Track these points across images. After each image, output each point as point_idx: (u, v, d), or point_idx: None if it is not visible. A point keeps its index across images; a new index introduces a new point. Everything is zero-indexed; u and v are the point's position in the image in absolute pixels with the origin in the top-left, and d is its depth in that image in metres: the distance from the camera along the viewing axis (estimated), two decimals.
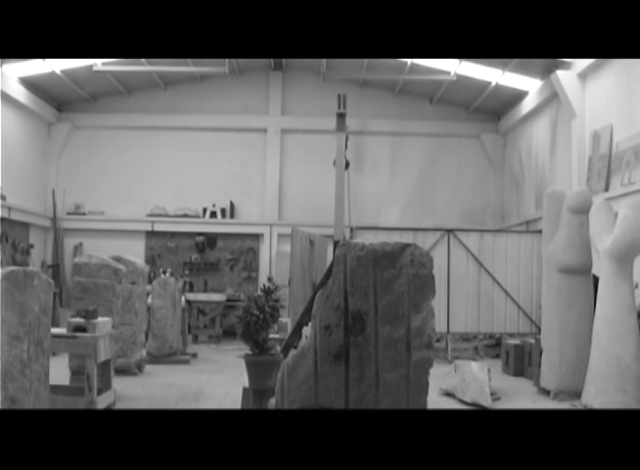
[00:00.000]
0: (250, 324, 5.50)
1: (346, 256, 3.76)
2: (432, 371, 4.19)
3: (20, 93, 12.49)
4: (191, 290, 13.90)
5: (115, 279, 7.14)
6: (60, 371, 6.41)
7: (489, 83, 12.82)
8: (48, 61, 11.81)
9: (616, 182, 9.07)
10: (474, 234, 11.09)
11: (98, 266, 7.13)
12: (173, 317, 9.84)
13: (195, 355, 10.30)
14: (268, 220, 14.51)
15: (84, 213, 14.44)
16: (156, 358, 9.41)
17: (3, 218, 12.02)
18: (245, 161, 14.74)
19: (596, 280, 7.16)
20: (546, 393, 7.39)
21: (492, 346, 11.47)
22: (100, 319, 5.81)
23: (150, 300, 9.68)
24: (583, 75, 10.39)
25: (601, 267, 6.70)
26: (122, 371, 7.99)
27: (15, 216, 12.60)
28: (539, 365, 7.64)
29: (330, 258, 10.64)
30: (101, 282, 7.06)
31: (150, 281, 10.55)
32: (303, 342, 3.71)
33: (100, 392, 5.73)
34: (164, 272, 13.44)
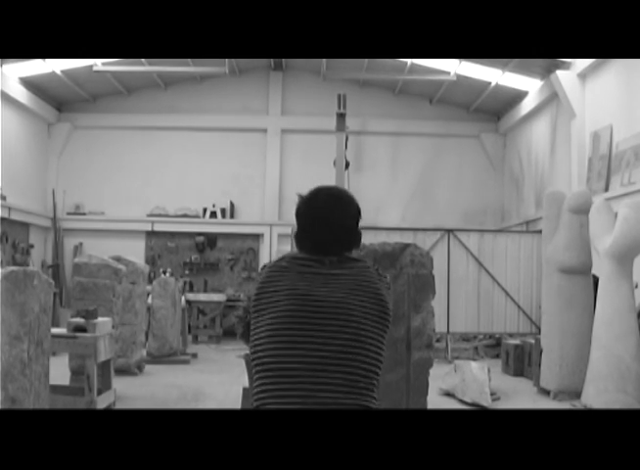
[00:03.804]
0: (250, 324, 5.50)
1: None
2: (432, 371, 4.20)
3: (20, 93, 12.49)
4: (191, 290, 13.90)
5: (116, 279, 7.14)
6: (60, 371, 6.40)
7: (489, 83, 12.82)
8: (48, 61, 11.81)
9: (615, 182, 9.07)
10: (474, 234, 11.09)
11: (98, 266, 7.13)
12: (173, 317, 9.84)
13: (195, 355, 10.30)
14: (268, 220, 14.50)
15: (84, 213, 14.44)
16: (156, 358, 9.41)
17: (3, 218, 12.01)
18: (245, 161, 14.74)
19: (596, 280, 7.16)
20: (546, 393, 7.39)
21: (492, 346, 11.47)
22: (100, 319, 5.81)
23: (150, 300, 9.67)
24: (583, 75, 10.38)
25: (601, 267, 6.70)
26: (122, 371, 7.99)
27: (15, 216, 12.60)
28: (539, 365, 7.64)
29: None
30: (101, 282, 7.06)
31: (150, 281, 10.55)
32: None
33: (100, 392, 5.73)
34: (164, 272, 13.43)
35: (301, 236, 2.02)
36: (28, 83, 12.72)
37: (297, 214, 2.04)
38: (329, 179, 12.16)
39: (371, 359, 1.83)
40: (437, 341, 11.04)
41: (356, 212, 2.06)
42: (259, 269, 2.03)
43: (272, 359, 1.82)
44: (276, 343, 1.83)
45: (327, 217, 2.00)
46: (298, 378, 1.77)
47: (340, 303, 1.85)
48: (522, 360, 8.97)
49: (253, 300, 1.95)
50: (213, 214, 14.41)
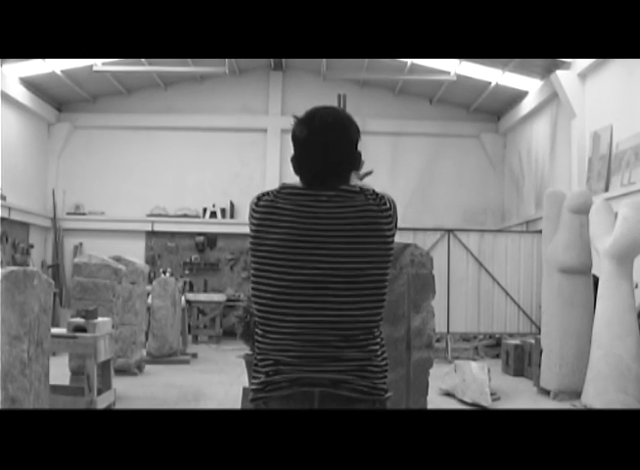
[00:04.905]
0: (250, 324, 5.51)
1: None
2: (432, 371, 4.20)
3: (20, 93, 12.49)
4: (191, 290, 13.90)
5: (115, 279, 7.14)
6: (60, 371, 6.41)
7: (489, 83, 12.81)
8: (48, 61, 11.80)
9: (616, 182, 9.07)
10: (474, 234, 11.09)
11: (98, 266, 7.13)
12: (173, 317, 9.84)
13: (195, 355, 10.30)
14: None
15: (84, 213, 14.44)
16: (156, 358, 9.40)
17: (3, 218, 12.01)
18: (245, 161, 14.74)
19: (596, 280, 7.16)
20: (546, 393, 7.39)
21: (492, 346, 11.47)
22: (100, 319, 5.81)
23: (150, 300, 9.68)
24: (583, 75, 10.38)
25: (601, 267, 6.70)
26: (122, 371, 7.99)
27: (15, 216, 12.60)
28: (539, 365, 7.64)
29: None
30: (101, 282, 7.07)
31: (150, 281, 10.55)
32: None
33: (100, 392, 5.73)
34: (164, 272, 13.43)
35: (298, 162, 1.95)
36: (28, 83, 12.71)
37: (293, 139, 1.95)
38: None
39: (373, 308, 1.85)
40: (437, 341, 11.04)
41: (355, 135, 1.97)
42: (253, 205, 1.91)
43: (275, 310, 1.83)
44: (278, 300, 1.82)
45: (323, 144, 1.91)
46: (301, 329, 1.79)
47: (343, 250, 1.84)
48: (522, 360, 8.97)
49: (251, 242, 1.90)
50: (213, 214, 14.41)
